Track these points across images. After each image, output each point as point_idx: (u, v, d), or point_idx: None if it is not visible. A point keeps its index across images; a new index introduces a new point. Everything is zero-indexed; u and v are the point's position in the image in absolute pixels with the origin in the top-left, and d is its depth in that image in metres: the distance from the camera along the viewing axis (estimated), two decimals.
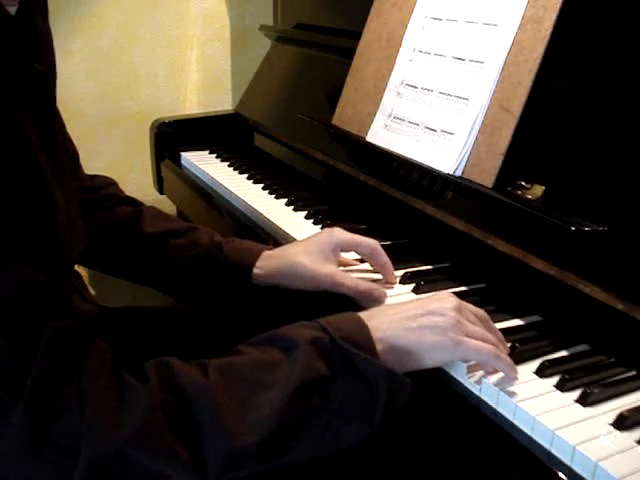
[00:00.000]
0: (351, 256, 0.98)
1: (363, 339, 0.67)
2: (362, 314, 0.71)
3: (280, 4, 1.69)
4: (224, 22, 1.93)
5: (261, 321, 0.95)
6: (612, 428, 0.64)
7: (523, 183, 0.89)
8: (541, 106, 0.90)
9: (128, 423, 0.60)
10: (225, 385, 0.63)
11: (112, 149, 1.88)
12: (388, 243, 1.04)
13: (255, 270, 0.93)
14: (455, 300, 0.73)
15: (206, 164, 1.48)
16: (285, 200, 1.23)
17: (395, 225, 1.09)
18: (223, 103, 1.97)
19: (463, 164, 0.96)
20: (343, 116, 1.22)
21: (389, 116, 1.11)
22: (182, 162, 1.55)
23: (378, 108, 1.14)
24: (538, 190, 0.87)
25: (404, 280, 0.92)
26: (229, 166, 1.47)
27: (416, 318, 0.70)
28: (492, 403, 0.69)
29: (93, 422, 0.59)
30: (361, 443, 0.67)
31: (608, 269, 0.75)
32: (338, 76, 1.27)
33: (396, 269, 0.94)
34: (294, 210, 1.20)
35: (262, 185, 1.33)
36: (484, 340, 0.70)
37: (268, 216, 1.16)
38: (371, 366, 0.65)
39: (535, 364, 0.73)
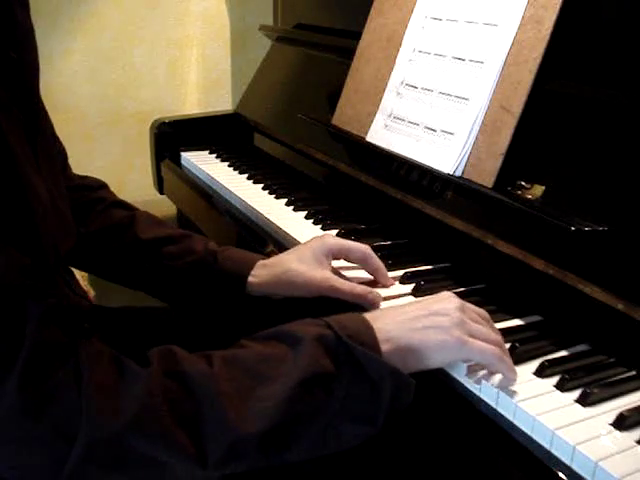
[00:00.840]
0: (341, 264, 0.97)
1: (368, 339, 0.67)
2: (366, 315, 0.71)
3: (280, 4, 1.69)
4: (224, 22, 1.94)
5: (258, 321, 0.95)
6: (612, 428, 0.64)
7: (523, 183, 0.89)
8: (541, 106, 0.90)
9: (127, 407, 0.59)
10: (229, 376, 0.63)
11: (112, 149, 1.88)
12: (388, 243, 1.05)
13: (250, 279, 0.93)
14: (458, 300, 0.73)
15: (206, 164, 1.48)
16: (285, 200, 1.23)
17: (395, 225, 1.09)
18: (223, 103, 1.98)
19: (463, 164, 0.96)
20: (343, 116, 1.22)
21: (389, 116, 1.11)
22: (182, 162, 1.55)
23: (378, 108, 1.14)
24: (538, 190, 0.87)
25: (404, 280, 0.92)
26: (229, 166, 1.47)
27: (420, 319, 0.70)
28: (492, 403, 0.69)
29: (91, 405, 0.57)
30: (361, 443, 0.67)
31: (608, 269, 0.75)
32: (338, 76, 1.27)
33: (396, 269, 0.94)
34: (294, 210, 1.20)
35: (262, 185, 1.33)
36: (488, 339, 0.70)
37: (268, 216, 1.16)
38: (376, 364, 0.65)
39: (535, 364, 0.73)
